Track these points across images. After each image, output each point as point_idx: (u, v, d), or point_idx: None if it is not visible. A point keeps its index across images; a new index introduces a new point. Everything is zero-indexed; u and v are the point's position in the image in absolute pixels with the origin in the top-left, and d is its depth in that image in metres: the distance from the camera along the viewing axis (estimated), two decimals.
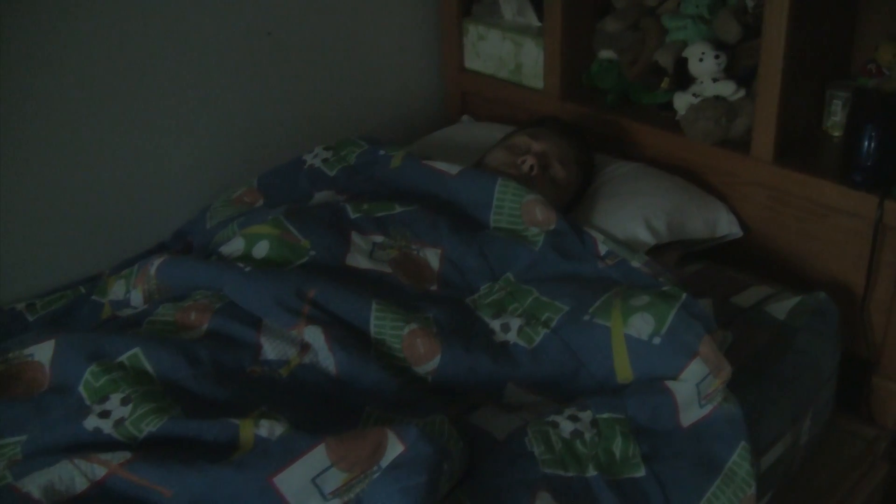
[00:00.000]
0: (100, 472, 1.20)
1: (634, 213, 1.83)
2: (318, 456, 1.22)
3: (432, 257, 1.69)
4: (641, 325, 1.51)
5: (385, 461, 1.25)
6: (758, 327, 1.70)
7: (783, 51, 1.74)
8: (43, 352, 1.41)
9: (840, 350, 1.76)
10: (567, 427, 1.42)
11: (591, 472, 1.37)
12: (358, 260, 1.64)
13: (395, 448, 1.25)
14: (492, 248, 1.72)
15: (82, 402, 1.32)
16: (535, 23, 2.23)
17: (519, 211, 1.76)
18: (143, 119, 1.96)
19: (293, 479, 1.20)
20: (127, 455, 1.21)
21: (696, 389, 1.47)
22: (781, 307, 1.73)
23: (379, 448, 1.25)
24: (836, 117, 1.94)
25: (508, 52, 2.27)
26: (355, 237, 1.67)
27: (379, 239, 1.68)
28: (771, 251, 1.94)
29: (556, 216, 1.75)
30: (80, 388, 1.34)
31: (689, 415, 1.47)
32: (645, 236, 1.80)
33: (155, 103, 1.96)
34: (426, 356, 1.50)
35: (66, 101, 1.82)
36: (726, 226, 1.92)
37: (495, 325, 1.59)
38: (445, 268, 1.69)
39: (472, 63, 2.37)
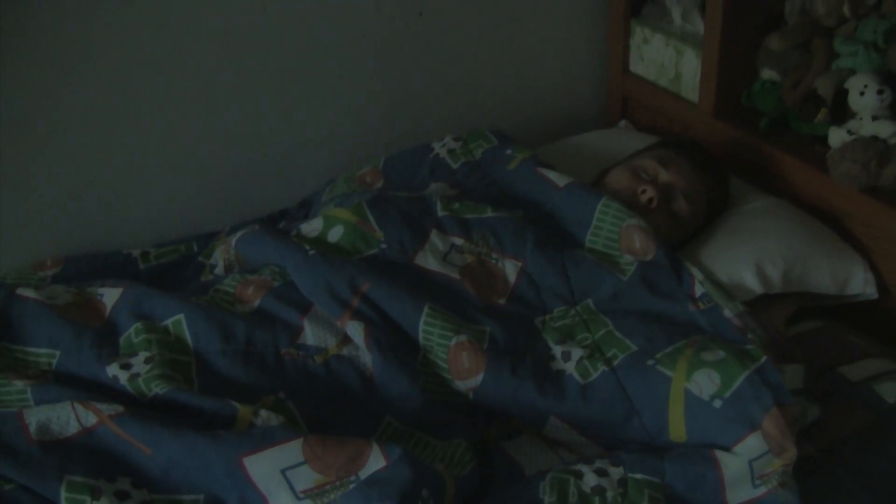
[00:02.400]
0: (92, 419, 1.27)
1: (747, 256, 1.64)
2: (292, 449, 1.23)
3: (511, 269, 1.61)
4: (706, 382, 1.37)
5: (364, 472, 1.23)
6: (859, 407, 1.49)
7: None
8: (110, 295, 1.51)
9: None
10: (590, 480, 1.31)
11: None
12: (428, 260, 1.59)
13: (377, 461, 1.24)
14: (576, 270, 1.61)
15: (115, 350, 1.42)
16: (701, 30, 2.05)
17: (617, 235, 1.63)
18: (283, 88, 1.98)
19: (263, 464, 1.21)
20: (119, 408, 1.27)
21: (748, 466, 1.31)
22: (894, 388, 1.51)
23: (359, 457, 1.24)
24: None
25: (670, 60, 2.10)
26: (434, 235, 1.62)
27: (459, 241, 1.62)
28: None
29: (655, 247, 1.61)
30: (121, 339, 1.43)
31: (738, 493, 1.32)
32: (752, 283, 1.61)
33: (296, 73, 1.98)
34: (470, 371, 1.44)
35: (211, 62, 1.87)
36: (861, 284, 1.69)
37: (557, 350, 1.50)
38: (521, 282, 1.60)
39: (635, 66, 2.22)
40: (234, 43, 1.88)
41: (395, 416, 1.40)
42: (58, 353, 1.41)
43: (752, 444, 1.31)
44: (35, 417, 1.27)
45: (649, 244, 1.61)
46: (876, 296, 1.70)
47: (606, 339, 1.50)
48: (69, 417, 1.27)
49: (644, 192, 1.71)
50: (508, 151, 1.88)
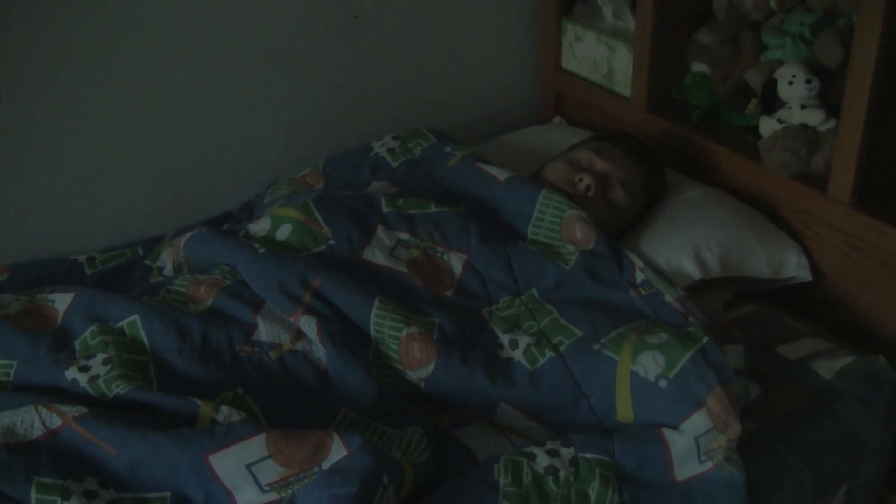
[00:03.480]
0: (56, 421, 1.26)
1: (684, 243, 1.68)
2: (256, 444, 1.24)
3: (456, 262, 1.62)
4: (651, 364, 1.40)
5: (327, 463, 1.25)
6: (797, 384, 1.54)
7: (870, 80, 1.55)
8: (62, 301, 1.50)
9: (894, 424, 1.56)
10: (543, 461, 1.33)
11: None
12: (376, 255, 1.60)
13: (338, 451, 1.25)
14: (520, 261, 1.63)
15: (72, 354, 1.40)
16: (632, 27, 2.09)
17: (558, 226, 1.66)
18: (223, 93, 1.97)
19: (228, 461, 1.23)
20: (83, 410, 1.26)
21: (694, 443, 1.35)
22: (830, 366, 1.56)
23: (321, 449, 1.25)
24: None
25: (602, 56, 2.14)
26: (380, 231, 1.63)
27: (405, 236, 1.63)
28: (840, 302, 1.75)
29: (595, 237, 1.64)
30: (76, 343, 1.42)
31: (684, 469, 1.35)
32: (691, 269, 1.65)
33: (236, 78, 1.97)
34: (421, 361, 1.45)
35: (151, 69, 1.86)
36: (794, 268, 1.74)
37: (504, 339, 1.52)
38: (467, 275, 1.62)
39: (568, 63, 2.26)
40: (172, 51, 1.87)
41: (350, 407, 1.41)
42: (14, 363, 1.39)
43: (697, 421, 1.35)
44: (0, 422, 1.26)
45: (590, 234, 1.64)
46: (810, 278, 1.75)
47: (552, 326, 1.53)
48: (33, 420, 1.26)
49: (581, 180, 1.74)
50: (447, 149, 1.90)
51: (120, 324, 1.43)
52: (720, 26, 1.95)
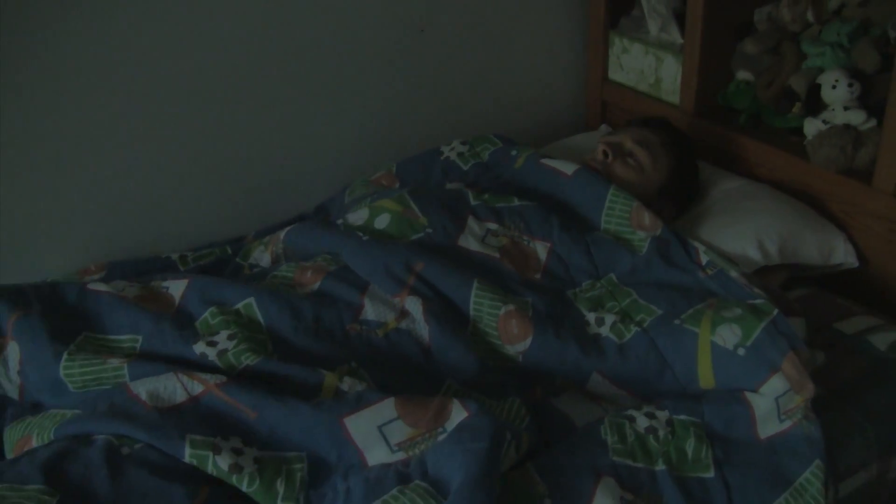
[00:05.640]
0: (198, 388, 1.38)
1: (747, 232, 1.85)
2: (386, 407, 1.36)
3: (541, 250, 1.77)
4: (728, 334, 1.55)
5: (450, 424, 1.36)
6: (857, 355, 1.70)
7: None
8: (177, 287, 1.62)
9: None
10: (643, 422, 1.47)
11: (660, 466, 1.42)
12: (469, 242, 1.75)
13: (459, 413, 1.37)
14: (598, 249, 1.79)
15: (195, 332, 1.52)
16: (678, 40, 2.27)
17: (628, 215, 1.82)
18: (299, 101, 2.13)
19: (361, 423, 1.35)
20: (223, 378, 1.39)
21: (775, 404, 1.50)
22: (885, 338, 1.72)
23: (443, 412, 1.38)
24: None
25: (650, 66, 2.32)
26: (471, 221, 1.78)
27: (493, 226, 1.79)
28: (886, 284, 1.92)
29: (661, 223, 1.80)
30: (197, 324, 1.54)
31: (767, 428, 1.50)
32: (755, 255, 1.81)
33: (312, 87, 2.13)
34: (519, 336, 1.59)
35: (239, 80, 2.03)
36: (842, 255, 1.91)
37: (591, 317, 1.66)
38: (552, 261, 1.77)
39: (614, 74, 2.43)
40: (255, 63, 2.03)
41: (454, 379, 1.55)
42: (140, 337, 1.51)
43: (775, 384, 1.50)
44: (143, 388, 1.39)
45: (656, 221, 1.81)
46: (856, 264, 1.92)
47: (633, 306, 1.68)
48: (175, 387, 1.39)
49: (598, 150, 1.95)
50: (513, 152, 2.06)
51: (236, 306, 1.56)
52: (762, 37, 2.13)
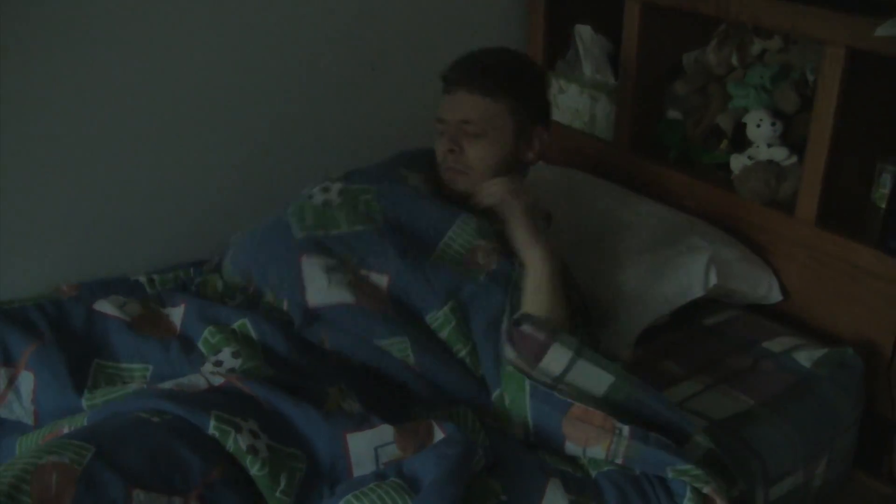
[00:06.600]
0: (219, 380, 1.46)
1: (691, 264, 1.94)
2: (385, 431, 1.43)
3: (380, 281, 1.68)
4: None
5: (430, 444, 1.44)
6: (784, 371, 1.83)
7: (832, 122, 1.89)
8: (176, 314, 1.69)
9: (862, 404, 1.86)
10: None
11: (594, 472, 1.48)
12: (316, 295, 1.65)
13: (438, 435, 1.45)
14: (437, 276, 1.68)
15: (201, 354, 1.59)
16: (612, 81, 2.41)
17: (467, 251, 1.73)
18: (257, 138, 2.21)
19: (361, 441, 1.42)
20: (242, 376, 1.47)
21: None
22: (808, 356, 1.86)
23: (428, 435, 1.45)
24: (885, 189, 2.03)
25: (584, 105, 2.45)
26: (306, 265, 1.67)
27: (330, 261, 1.68)
28: (805, 308, 2.06)
29: (496, 261, 1.70)
30: (200, 344, 1.60)
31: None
32: (697, 287, 1.93)
33: (272, 120, 2.22)
34: None
35: (198, 107, 2.09)
36: (767, 289, 2.05)
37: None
38: (393, 292, 1.67)
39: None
40: (213, 96, 2.10)
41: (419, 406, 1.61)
42: (151, 366, 1.59)
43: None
44: (169, 385, 1.46)
45: (490, 258, 1.70)
46: (780, 299, 2.07)
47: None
48: (198, 380, 1.46)
49: (444, 157, 1.80)
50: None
51: (231, 326, 1.62)
52: (691, 79, 2.28)
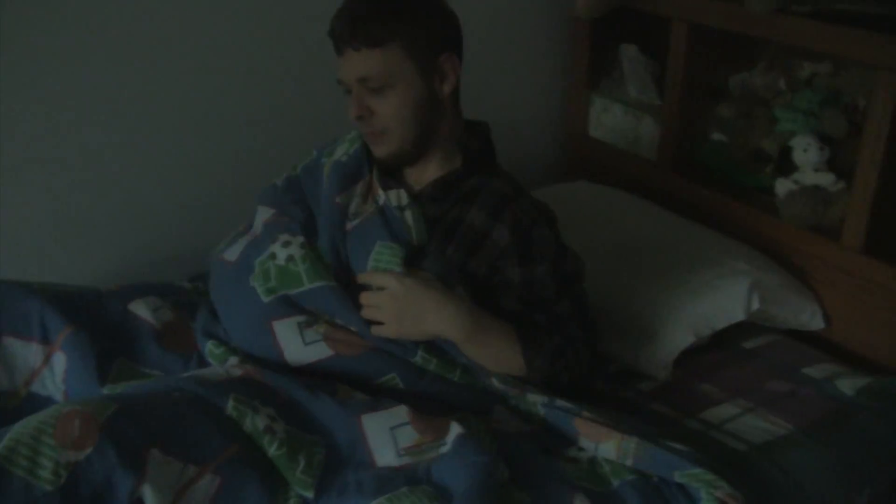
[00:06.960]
0: (237, 372, 1.48)
1: (736, 289, 1.92)
2: (400, 412, 1.45)
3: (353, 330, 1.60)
4: None
5: (450, 438, 1.43)
6: (825, 398, 1.79)
7: (883, 147, 1.86)
8: (196, 327, 1.71)
9: None
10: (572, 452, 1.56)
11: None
12: (294, 355, 1.56)
13: (456, 430, 1.44)
14: None
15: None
16: (656, 101, 2.40)
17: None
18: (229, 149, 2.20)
19: (376, 422, 1.43)
20: (260, 368, 1.50)
21: None
22: (851, 384, 1.82)
23: (443, 425, 1.45)
24: None
25: (629, 125, 2.43)
26: (279, 328, 1.58)
27: (301, 318, 1.57)
28: (847, 336, 2.02)
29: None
30: (208, 357, 1.63)
31: None
32: (739, 312, 1.91)
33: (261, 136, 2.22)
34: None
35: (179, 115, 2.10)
36: (809, 317, 2.02)
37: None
38: (367, 340, 1.58)
39: (595, 131, 2.55)
40: (192, 106, 2.10)
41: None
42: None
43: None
44: (188, 374, 1.49)
45: None
46: (822, 327, 2.03)
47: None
48: (218, 372, 1.48)
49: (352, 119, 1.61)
50: (322, 159, 1.75)
51: (231, 344, 1.63)
52: (737, 102, 2.26)
